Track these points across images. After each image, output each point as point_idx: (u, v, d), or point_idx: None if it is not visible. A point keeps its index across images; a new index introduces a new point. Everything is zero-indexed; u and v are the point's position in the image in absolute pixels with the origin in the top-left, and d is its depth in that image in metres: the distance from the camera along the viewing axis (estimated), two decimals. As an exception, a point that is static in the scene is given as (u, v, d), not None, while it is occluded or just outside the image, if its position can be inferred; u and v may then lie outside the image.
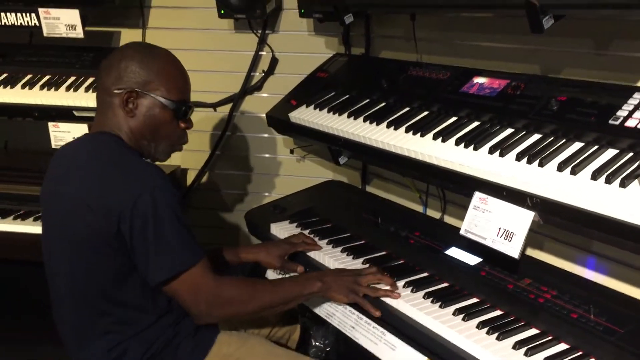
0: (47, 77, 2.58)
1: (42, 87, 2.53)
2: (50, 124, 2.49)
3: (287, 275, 1.92)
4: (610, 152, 1.42)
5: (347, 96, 2.18)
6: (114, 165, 1.54)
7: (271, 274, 2.03)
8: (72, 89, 2.50)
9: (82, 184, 1.53)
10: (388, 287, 1.65)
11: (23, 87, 2.54)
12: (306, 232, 2.05)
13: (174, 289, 1.52)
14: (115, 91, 1.60)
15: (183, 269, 1.50)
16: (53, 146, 2.51)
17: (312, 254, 1.93)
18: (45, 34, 2.56)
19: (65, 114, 2.49)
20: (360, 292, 1.64)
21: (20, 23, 2.57)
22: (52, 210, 1.62)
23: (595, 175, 1.35)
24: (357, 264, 1.82)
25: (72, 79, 2.56)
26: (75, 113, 2.47)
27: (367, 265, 1.77)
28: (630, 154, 1.38)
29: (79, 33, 2.53)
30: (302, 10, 2.38)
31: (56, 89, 2.51)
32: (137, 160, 1.59)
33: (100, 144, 1.60)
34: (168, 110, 1.64)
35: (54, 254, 1.61)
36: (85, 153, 1.61)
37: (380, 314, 1.59)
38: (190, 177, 2.94)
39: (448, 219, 2.24)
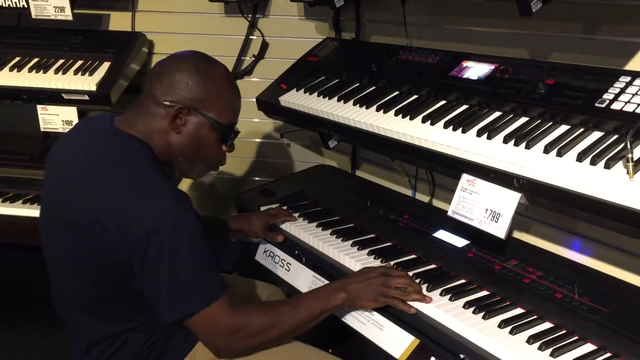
0: (35, 60, 2.56)
1: (30, 70, 2.51)
2: (38, 106, 2.49)
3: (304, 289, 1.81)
4: (596, 135, 1.43)
5: (337, 80, 2.18)
6: (134, 182, 1.41)
7: (261, 255, 2.05)
8: (60, 72, 2.49)
9: (100, 198, 1.40)
10: (417, 292, 1.53)
11: (11, 69, 2.52)
12: (296, 215, 2.07)
13: (189, 326, 1.43)
14: (165, 102, 1.49)
15: (199, 309, 1.40)
16: (42, 129, 2.51)
17: (303, 237, 1.94)
18: (33, 16, 2.54)
19: (54, 97, 2.47)
20: (390, 294, 1.53)
21: (9, 4, 2.56)
22: (58, 211, 1.49)
23: (580, 157, 1.36)
24: (346, 245, 1.83)
25: (61, 61, 2.54)
26: (64, 96, 2.46)
27: (393, 264, 1.70)
28: (615, 136, 1.39)
29: (67, 15, 2.51)
30: (293, -6, 2.38)
31: (45, 72, 2.49)
32: (162, 180, 1.44)
33: (125, 150, 1.47)
34: (216, 132, 1.54)
35: (56, 249, 1.53)
36: (109, 155, 1.47)
37: (415, 311, 1.50)
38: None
39: (437, 203, 2.26)
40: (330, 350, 1.76)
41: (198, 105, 1.51)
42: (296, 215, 2.07)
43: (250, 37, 2.73)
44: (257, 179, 2.90)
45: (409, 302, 1.52)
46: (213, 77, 1.54)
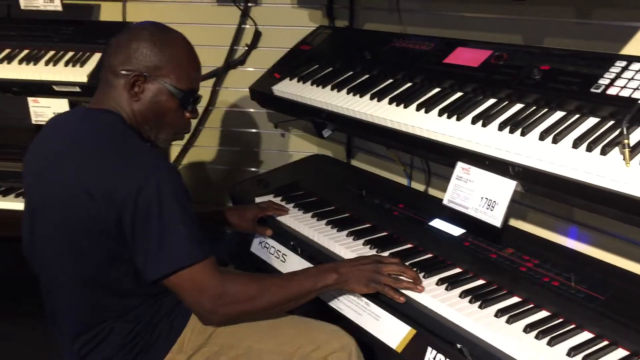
0: (25, 52, 2.52)
1: (20, 62, 2.47)
2: (29, 99, 2.46)
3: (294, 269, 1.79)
4: (592, 121, 1.42)
5: (331, 68, 2.16)
6: (116, 149, 1.45)
7: (256, 246, 2.03)
8: (51, 64, 2.45)
9: (81, 167, 1.43)
10: (410, 280, 1.53)
11: (1, 61, 2.48)
12: (290, 205, 2.06)
13: (175, 285, 1.43)
14: (122, 72, 1.52)
15: (186, 265, 1.41)
16: (33, 122, 2.48)
17: (298, 228, 1.93)
18: (22, 7, 2.50)
19: (45, 89, 2.44)
20: (382, 281, 1.53)
21: (-3, -4, 2.52)
22: (41, 193, 1.51)
23: (576, 144, 1.35)
24: (341, 235, 1.82)
25: (52, 53, 2.51)
26: (55, 88, 2.42)
27: (388, 254, 1.68)
28: (611, 122, 1.38)
29: (57, 6, 2.48)
30: (285, -18, 2.36)
31: (35, 64, 2.46)
32: (141, 144, 1.50)
33: (101, 123, 1.51)
34: (175, 98, 1.56)
35: (41, 238, 1.53)
36: (85, 132, 1.51)
37: (405, 300, 1.49)
38: (174, 152, 2.92)
39: (432, 192, 2.25)
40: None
41: (155, 72, 1.53)
42: (291, 205, 2.05)
43: (243, 26, 2.70)
44: (251, 169, 2.88)
45: (401, 290, 1.52)
46: (169, 44, 1.56)
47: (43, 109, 2.44)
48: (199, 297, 1.44)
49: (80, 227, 1.44)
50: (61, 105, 2.43)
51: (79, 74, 2.40)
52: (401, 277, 1.54)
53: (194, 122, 2.85)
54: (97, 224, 1.41)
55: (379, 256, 1.62)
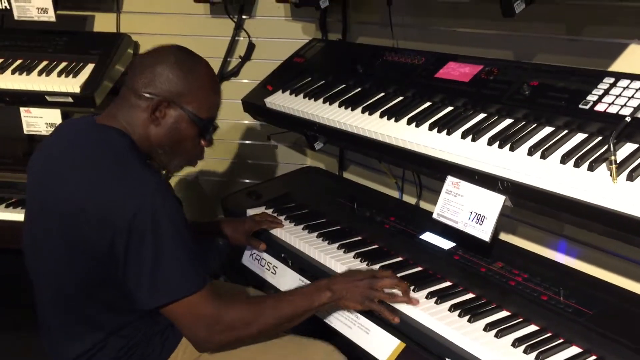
0: (18, 62, 2.53)
1: (13, 72, 2.48)
2: (22, 109, 2.46)
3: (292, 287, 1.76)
4: (580, 136, 1.43)
5: (323, 81, 2.17)
6: (117, 170, 1.43)
7: (247, 258, 2.03)
8: (44, 74, 2.46)
9: (80, 183, 1.42)
10: (403, 293, 1.52)
11: (-6, 71, 2.49)
12: (282, 217, 2.06)
13: (169, 313, 1.42)
14: (146, 95, 1.49)
15: (181, 297, 1.39)
16: (25, 132, 2.48)
17: (289, 240, 1.93)
18: (16, 17, 2.51)
19: (38, 99, 2.44)
20: (376, 297, 1.51)
21: (-10, 6, 2.52)
22: (40, 202, 1.50)
23: (564, 159, 1.36)
24: (332, 248, 1.82)
25: (44, 63, 2.51)
26: (48, 98, 2.43)
27: (379, 267, 1.68)
28: (599, 138, 1.39)
29: (50, 17, 2.49)
30: (279, -5, 2.37)
31: (28, 74, 2.46)
32: (143, 168, 1.45)
33: (106, 141, 1.49)
34: (195, 126, 1.54)
35: (40, 249, 1.52)
36: (89, 148, 1.49)
37: (399, 320, 1.48)
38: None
39: (423, 205, 2.25)
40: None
41: (178, 99, 1.51)
42: (282, 217, 2.05)
43: (237, 38, 2.71)
44: (243, 180, 2.88)
45: (396, 304, 1.52)
46: (194, 71, 1.54)
47: (35, 119, 2.44)
48: (194, 326, 1.43)
49: (74, 244, 1.42)
50: (54, 116, 2.44)
51: (72, 85, 2.40)
52: (394, 292, 1.54)
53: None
54: (89, 243, 1.40)
55: (372, 271, 1.61)
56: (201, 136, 1.59)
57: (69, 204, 1.42)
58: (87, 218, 1.38)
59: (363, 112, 1.88)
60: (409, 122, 1.74)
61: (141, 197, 1.37)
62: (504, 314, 1.47)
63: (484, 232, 1.50)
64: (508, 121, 1.59)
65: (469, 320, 1.43)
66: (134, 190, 1.39)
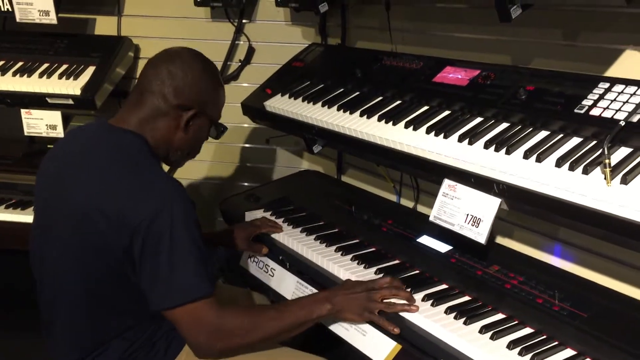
0: (20, 64, 2.54)
1: (14, 74, 2.49)
2: (22, 110, 2.47)
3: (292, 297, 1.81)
4: (575, 140, 1.44)
5: (322, 85, 2.18)
6: (137, 173, 1.45)
7: (246, 261, 2.04)
8: (45, 76, 2.47)
9: (99, 187, 1.43)
10: (404, 301, 1.53)
11: (-5, 73, 2.51)
12: (280, 220, 2.07)
13: (174, 316, 1.43)
14: (177, 104, 1.53)
15: (189, 300, 1.41)
16: (25, 133, 2.49)
17: (287, 243, 1.94)
18: (18, 20, 2.53)
19: (38, 101, 2.45)
20: (376, 309, 1.52)
21: (-7, 8, 2.54)
22: (55, 206, 1.51)
23: (559, 163, 1.37)
24: (330, 251, 1.83)
25: (46, 65, 2.53)
26: (49, 100, 2.44)
27: (380, 276, 1.67)
28: (594, 142, 1.40)
29: (52, 19, 2.50)
30: (279, -1, 2.38)
31: (29, 76, 2.48)
32: (161, 171, 1.50)
33: (122, 144, 1.50)
34: (211, 129, 1.66)
35: (50, 251, 1.52)
36: (105, 152, 1.50)
37: (399, 331, 1.48)
38: (166, 167, 2.93)
39: (421, 208, 2.27)
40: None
41: (203, 107, 1.59)
42: (281, 220, 2.06)
43: (237, 42, 2.73)
44: (242, 183, 2.89)
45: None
46: (215, 77, 1.62)
47: (36, 121, 2.46)
48: (196, 331, 1.44)
49: (89, 244, 1.43)
50: (54, 118, 2.45)
51: (73, 87, 2.42)
52: (393, 301, 1.54)
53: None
54: (106, 243, 1.41)
55: (371, 282, 1.60)
56: (215, 137, 1.71)
57: (87, 205, 1.43)
58: (105, 217, 1.40)
59: (361, 115, 1.90)
60: (406, 126, 1.75)
61: (161, 201, 1.40)
62: (499, 316, 1.48)
63: (480, 235, 1.51)
64: (504, 125, 1.60)
65: (465, 323, 1.44)
66: (154, 194, 1.42)
